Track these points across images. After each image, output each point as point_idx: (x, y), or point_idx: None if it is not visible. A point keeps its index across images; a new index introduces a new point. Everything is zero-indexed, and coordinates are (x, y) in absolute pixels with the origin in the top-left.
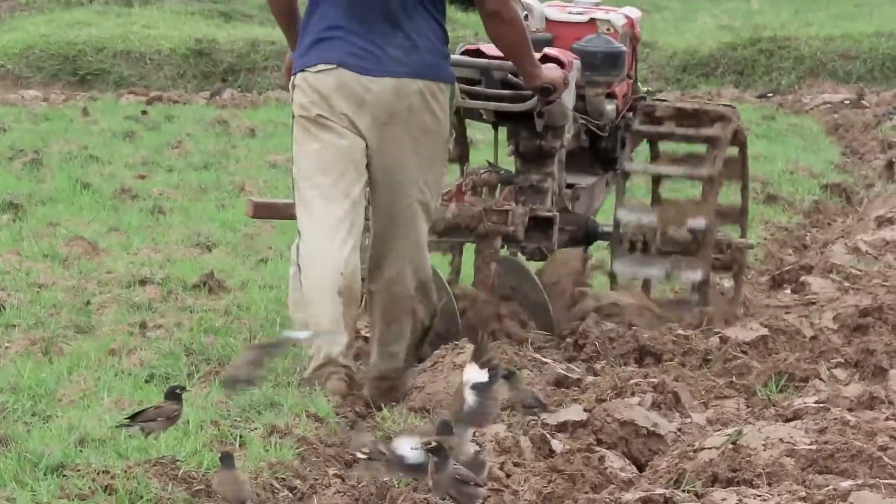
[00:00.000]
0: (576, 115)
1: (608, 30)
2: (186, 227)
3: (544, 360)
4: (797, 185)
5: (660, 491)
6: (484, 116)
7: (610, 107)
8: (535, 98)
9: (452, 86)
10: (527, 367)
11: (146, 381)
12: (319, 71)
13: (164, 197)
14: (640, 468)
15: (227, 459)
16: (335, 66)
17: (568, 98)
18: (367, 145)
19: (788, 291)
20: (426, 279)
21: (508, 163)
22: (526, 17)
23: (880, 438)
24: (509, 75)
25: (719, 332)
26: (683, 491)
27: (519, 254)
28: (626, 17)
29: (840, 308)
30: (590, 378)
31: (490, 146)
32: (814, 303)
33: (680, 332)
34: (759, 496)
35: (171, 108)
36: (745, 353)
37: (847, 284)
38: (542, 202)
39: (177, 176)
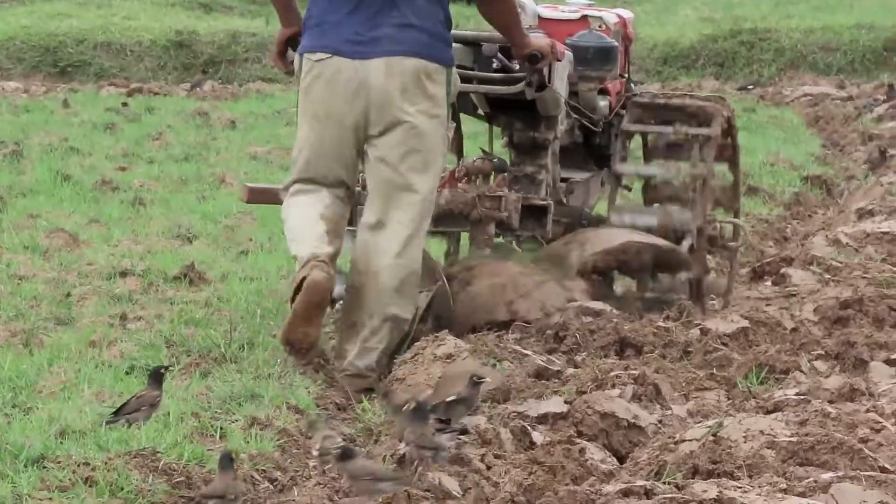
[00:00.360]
0: (569, 110)
1: (600, 27)
2: (167, 218)
3: (524, 351)
4: (778, 178)
5: (640, 483)
6: (479, 111)
7: (603, 103)
8: (524, 81)
9: (450, 70)
10: (507, 359)
11: (126, 373)
12: (318, 59)
13: (145, 189)
14: (621, 460)
15: (224, 460)
16: (331, 55)
17: (560, 87)
18: (365, 132)
19: (769, 283)
20: (412, 275)
21: (503, 155)
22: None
23: (861, 430)
24: (499, 54)
25: (700, 324)
26: (664, 483)
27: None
28: (619, 16)
29: (821, 300)
30: (570, 370)
31: (473, 138)
32: (794, 295)
33: (660, 324)
34: (740, 488)
35: (152, 99)
36: (725, 345)
37: (828, 276)
38: (536, 192)
39: (157, 168)
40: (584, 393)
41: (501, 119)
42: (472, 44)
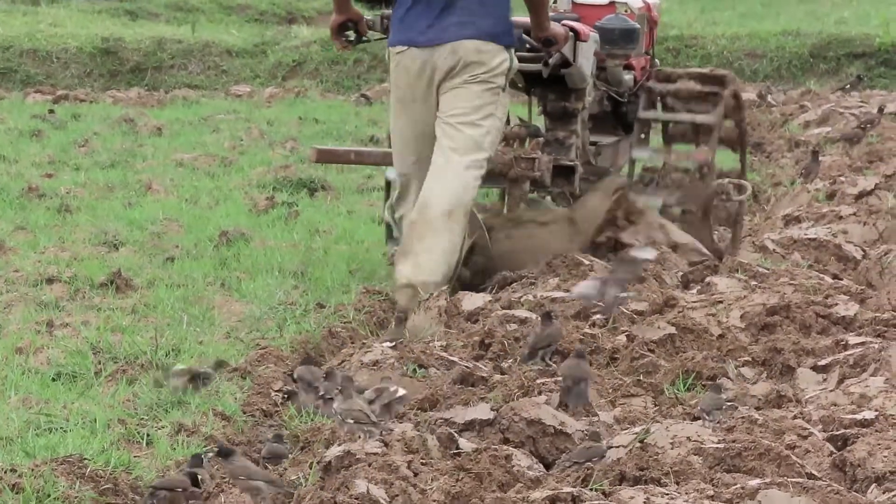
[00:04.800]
0: (597, 83)
1: (625, 11)
2: (93, 225)
3: (451, 358)
4: None
5: (567, 489)
6: (518, 84)
7: (627, 77)
8: (547, 56)
9: (509, 49)
10: (433, 366)
11: (53, 380)
12: (399, 52)
13: (72, 195)
14: (548, 467)
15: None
16: (408, 47)
17: (586, 64)
18: (437, 101)
19: (695, 291)
20: (460, 206)
21: (539, 123)
22: (554, 0)
23: (788, 437)
24: (523, 34)
25: (626, 331)
26: (591, 489)
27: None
28: (644, 1)
29: (747, 307)
30: (497, 377)
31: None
32: (721, 301)
33: (587, 330)
34: (667, 495)
35: (78, 106)
36: (652, 351)
37: (754, 283)
38: (566, 154)
39: (84, 174)
40: (511, 400)
41: (537, 91)
42: None
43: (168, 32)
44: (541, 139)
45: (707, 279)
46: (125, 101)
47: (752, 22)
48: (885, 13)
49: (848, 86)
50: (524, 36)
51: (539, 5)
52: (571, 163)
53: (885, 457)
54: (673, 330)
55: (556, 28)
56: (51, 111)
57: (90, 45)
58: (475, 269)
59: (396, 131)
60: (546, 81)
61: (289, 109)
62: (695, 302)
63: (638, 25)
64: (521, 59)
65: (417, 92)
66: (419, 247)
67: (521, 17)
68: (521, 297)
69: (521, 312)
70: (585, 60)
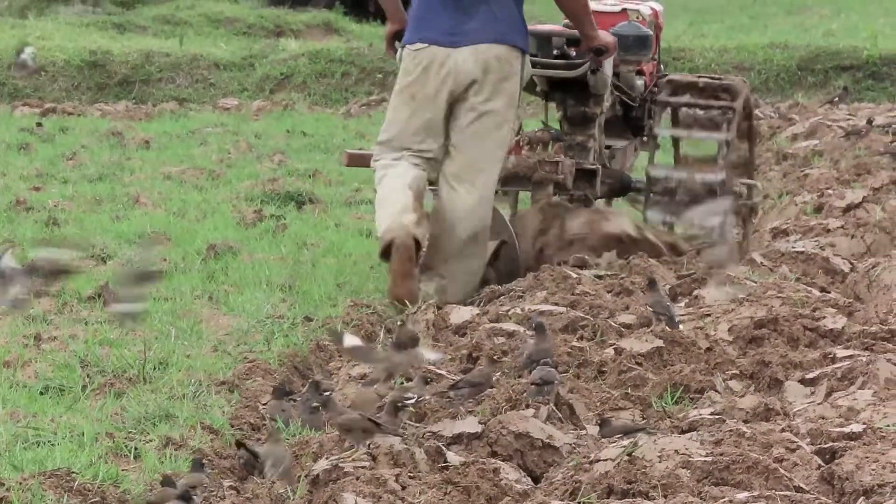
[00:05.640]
0: (612, 88)
1: (637, 18)
2: (81, 238)
3: (439, 371)
4: None
5: (555, 503)
6: (537, 89)
7: (639, 82)
8: (587, 63)
9: (524, 56)
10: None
11: (41, 393)
12: (418, 49)
13: (59, 209)
14: (536, 480)
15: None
16: (428, 44)
17: (608, 70)
18: (451, 108)
19: (683, 304)
20: (484, 229)
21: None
22: None
23: (776, 450)
24: (565, 44)
25: (614, 344)
26: (579, 503)
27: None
28: (652, 8)
29: (735, 320)
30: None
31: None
32: (709, 315)
33: (575, 343)
34: None
35: (66, 119)
36: (640, 364)
37: (742, 296)
38: (585, 158)
39: (72, 188)
40: (499, 413)
41: (557, 96)
42: (536, 35)
43: (156, 45)
44: (562, 143)
45: (695, 292)
46: (113, 115)
47: (740, 34)
48: (873, 25)
49: (836, 98)
50: (565, 46)
51: (583, 18)
52: (593, 166)
53: (873, 470)
54: (661, 343)
55: (605, 37)
56: (38, 124)
57: (78, 58)
58: (501, 272)
59: (397, 119)
60: (566, 86)
61: (276, 122)
62: (682, 315)
63: (651, 32)
64: (547, 66)
65: (430, 87)
66: (444, 269)
67: (560, 25)
68: (509, 310)
69: (509, 326)
70: (608, 66)
